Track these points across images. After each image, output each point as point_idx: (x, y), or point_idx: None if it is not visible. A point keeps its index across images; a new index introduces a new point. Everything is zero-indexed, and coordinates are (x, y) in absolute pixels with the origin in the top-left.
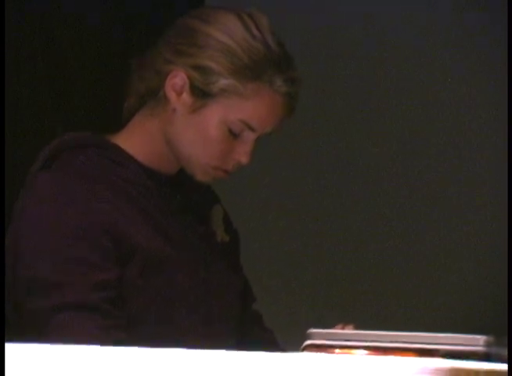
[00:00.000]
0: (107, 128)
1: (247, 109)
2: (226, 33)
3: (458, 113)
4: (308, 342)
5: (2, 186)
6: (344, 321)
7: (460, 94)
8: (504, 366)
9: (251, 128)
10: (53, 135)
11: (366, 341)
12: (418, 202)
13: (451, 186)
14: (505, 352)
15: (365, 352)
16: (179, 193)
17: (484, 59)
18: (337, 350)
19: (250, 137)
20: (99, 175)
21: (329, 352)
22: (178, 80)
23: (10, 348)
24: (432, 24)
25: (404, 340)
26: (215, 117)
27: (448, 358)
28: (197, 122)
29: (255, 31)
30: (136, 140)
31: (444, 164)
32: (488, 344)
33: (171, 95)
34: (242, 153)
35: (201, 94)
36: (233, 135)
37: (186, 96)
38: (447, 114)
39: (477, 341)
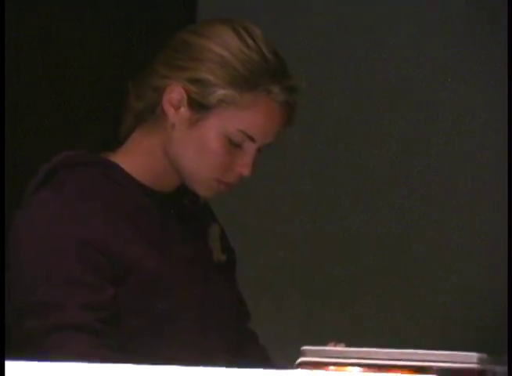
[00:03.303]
0: (107, 128)
1: (246, 119)
2: (222, 45)
3: (458, 113)
4: (302, 359)
5: (2, 186)
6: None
7: (460, 94)
8: None
9: (251, 138)
10: (53, 135)
11: (360, 358)
12: (418, 203)
13: (451, 186)
14: (499, 369)
15: (360, 369)
16: (176, 209)
17: (484, 59)
18: (331, 367)
19: (250, 148)
20: (95, 194)
21: (323, 370)
22: (175, 94)
23: (9, 365)
24: (432, 24)
25: (398, 357)
26: (214, 129)
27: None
28: (197, 136)
29: (250, 42)
30: (135, 158)
31: (444, 164)
32: (482, 361)
33: (169, 111)
34: (242, 165)
35: (199, 107)
36: (234, 146)
37: (184, 110)
38: (447, 114)
39: (472, 359)
